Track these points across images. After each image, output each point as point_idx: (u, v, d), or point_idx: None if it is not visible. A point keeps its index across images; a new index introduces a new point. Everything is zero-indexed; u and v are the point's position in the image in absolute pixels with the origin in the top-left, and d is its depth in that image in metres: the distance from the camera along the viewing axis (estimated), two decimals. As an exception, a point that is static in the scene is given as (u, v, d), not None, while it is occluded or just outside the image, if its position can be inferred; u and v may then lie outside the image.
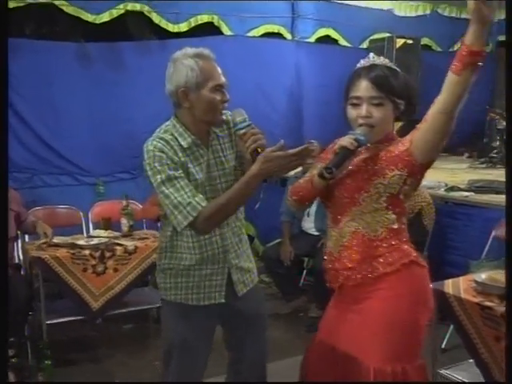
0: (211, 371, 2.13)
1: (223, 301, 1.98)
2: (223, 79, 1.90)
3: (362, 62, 1.78)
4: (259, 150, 1.79)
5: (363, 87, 1.70)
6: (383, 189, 1.69)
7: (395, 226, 1.74)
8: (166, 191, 1.81)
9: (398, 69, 1.78)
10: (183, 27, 5.38)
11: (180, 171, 1.84)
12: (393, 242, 1.73)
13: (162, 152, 1.84)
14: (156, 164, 1.83)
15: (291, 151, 1.69)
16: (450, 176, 4.79)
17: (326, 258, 1.86)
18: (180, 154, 1.87)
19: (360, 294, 1.76)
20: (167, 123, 1.94)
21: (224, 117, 1.94)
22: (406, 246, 1.76)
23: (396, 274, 1.72)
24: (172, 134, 1.89)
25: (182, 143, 1.88)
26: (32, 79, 4.57)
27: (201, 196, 1.82)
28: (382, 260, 1.72)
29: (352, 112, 1.74)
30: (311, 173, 1.86)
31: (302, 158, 1.72)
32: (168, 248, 1.98)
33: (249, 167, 1.92)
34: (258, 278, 2.14)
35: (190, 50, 1.88)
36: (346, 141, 1.69)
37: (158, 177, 1.82)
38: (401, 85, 1.73)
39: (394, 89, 1.70)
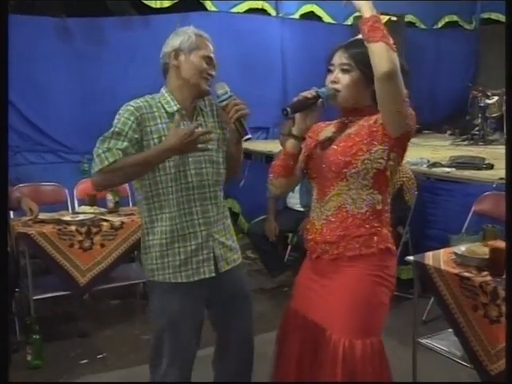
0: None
1: (213, 274, 1.99)
2: (214, 56, 2.00)
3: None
4: (242, 119, 1.88)
5: (337, 55, 1.78)
6: (370, 164, 1.73)
7: (379, 207, 1.77)
8: (106, 140, 1.87)
9: None
10: (166, 3, 5.32)
11: (136, 136, 1.88)
12: (375, 224, 1.77)
13: (138, 112, 1.90)
14: (125, 115, 1.89)
15: (190, 128, 1.83)
16: (432, 153, 4.86)
17: (308, 227, 1.89)
18: (159, 121, 1.93)
19: (333, 269, 1.80)
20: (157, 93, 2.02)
21: (209, 88, 1.99)
22: (385, 231, 1.80)
23: (371, 256, 1.77)
24: (159, 102, 1.96)
25: (168, 110, 1.95)
26: (12, 54, 4.50)
27: (119, 158, 1.85)
28: (361, 241, 1.76)
29: (327, 78, 1.80)
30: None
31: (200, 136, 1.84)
32: (148, 223, 1.99)
33: (233, 137, 2.02)
34: (241, 259, 2.15)
35: (193, 27, 2.01)
36: (306, 92, 1.76)
37: (115, 127, 1.89)
38: None
39: (363, 57, 1.71)
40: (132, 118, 1.89)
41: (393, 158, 1.75)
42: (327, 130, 1.89)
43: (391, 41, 1.59)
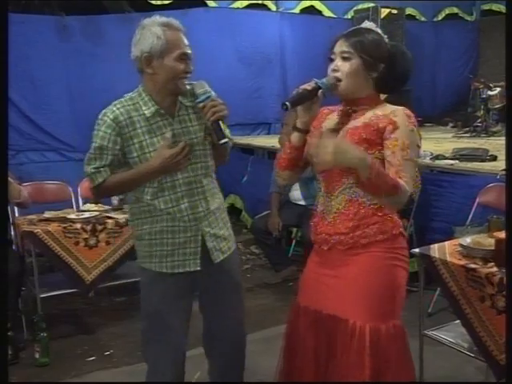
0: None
1: (198, 268, 2.00)
2: (189, 50, 1.92)
3: None
4: (219, 121, 1.85)
5: (338, 44, 1.77)
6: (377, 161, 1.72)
7: None
8: (92, 157, 1.94)
9: (381, 33, 1.79)
10: (166, 0, 5.32)
11: (118, 147, 1.91)
12: (386, 211, 1.78)
13: (115, 122, 1.90)
14: (103, 128, 1.91)
15: (176, 150, 1.88)
16: (435, 145, 4.86)
17: (316, 220, 1.88)
18: (138, 125, 1.91)
19: (348, 257, 1.80)
20: (134, 91, 1.98)
21: (188, 87, 1.95)
22: (396, 217, 1.82)
23: (385, 241, 1.78)
24: (137, 103, 1.94)
25: (146, 112, 1.92)
26: (12, 53, 4.50)
27: (107, 176, 1.93)
28: (375, 228, 1.77)
29: (329, 67, 1.79)
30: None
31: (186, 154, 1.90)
32: (137, 214, 2.01)
33: (211, 138, 1.99)
34: (235, 246, 2.15)
35: (159, 18, 1.92)
36: (306, 84, 1.75)
37: (95, 142, 1.93)
38: (375, 44, 1.75)
39: (363, 45, 1.73)
40: (109, 131, 1.90)
41: None
42: (331, 119, 1.87)
43: (394, 185, 1.63)
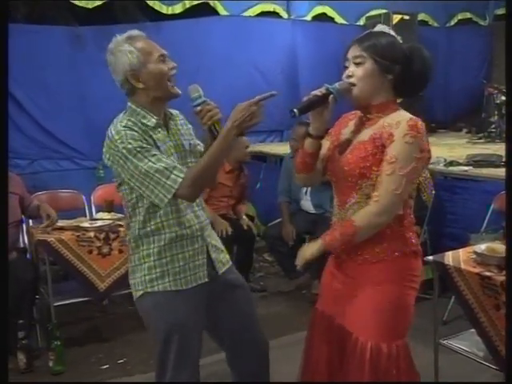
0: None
1: (207, 279, 1.98)
2: (163, 50, 1.91)
3: None
4: (216, 125, 1.83)
5: (351, 49, 1.75)
6: None
7: (400, 212, 1.74)
8: (149, 163, 1.78)
9: (394, 35, 1.77)
10: (177, 9, 5.34)
11: (152, 147, 1.84)
12: (397, 229, 1.75)
13: (133, 130, 1.82)
14: (130, 141, 1.80)
15: (256, 98, 1.77)
16: (448, 151, 4.82)
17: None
18: (149, 133, 1.87)
19: (358, 273, 1.79)
20: (124, 112, 1.93)
21: (179, 91, 1.92)
22: (410, 234, 1.78)
23: (395, 260, 1.75)
24: (136, 118, 1.88)
25: (148, 123, 1.88)
26: (27, 63, 4.58)
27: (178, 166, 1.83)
28: (385, 246, 1.74)
29: (344, 74, 1.77)
30: None
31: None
32: (142, 235, 1.92)
33: (210, 142, 1.90)
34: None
35: (119, 37, 1.90)
36: (316, 90, 1.73)
37: (135, 152, 1.79)
38: (388, 46, 1.72)
39: (376, 48, 1.70)
40: (136, 136, 1.81)
41: None
42: (349, 127, 1.86)
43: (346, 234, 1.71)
